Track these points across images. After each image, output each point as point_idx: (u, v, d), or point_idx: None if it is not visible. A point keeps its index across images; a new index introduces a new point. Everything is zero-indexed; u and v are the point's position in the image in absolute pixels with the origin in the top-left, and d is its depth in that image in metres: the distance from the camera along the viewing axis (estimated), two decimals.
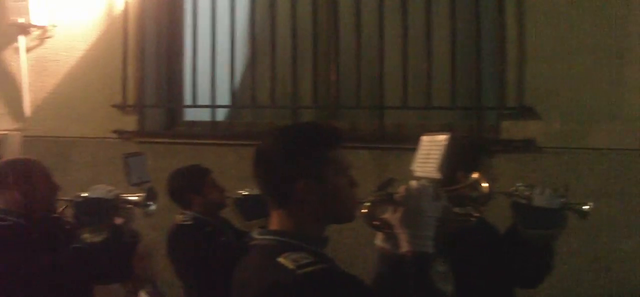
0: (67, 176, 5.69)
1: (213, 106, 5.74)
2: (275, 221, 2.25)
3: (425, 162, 2.87)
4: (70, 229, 3.44)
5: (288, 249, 2.12)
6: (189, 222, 4.32)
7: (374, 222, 2.36)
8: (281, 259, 2.07)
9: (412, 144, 3.03)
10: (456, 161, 3.00)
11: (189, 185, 4.36)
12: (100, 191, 3.26)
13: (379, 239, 2.40)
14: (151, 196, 3.28)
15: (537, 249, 3.11)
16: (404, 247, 2.16)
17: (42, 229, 3.36)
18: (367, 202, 2.35)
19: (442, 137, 2.86)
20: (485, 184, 2.52)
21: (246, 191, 4.35)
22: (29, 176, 3.37)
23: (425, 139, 2.97)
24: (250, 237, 4.05)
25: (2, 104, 6.44)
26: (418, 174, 2.86)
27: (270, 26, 5.58)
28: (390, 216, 2.25)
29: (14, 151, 6.00)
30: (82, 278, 3.28)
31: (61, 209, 3.54)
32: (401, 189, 2.23)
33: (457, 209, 2.48)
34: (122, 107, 5.89)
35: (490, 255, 3.21)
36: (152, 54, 5.96)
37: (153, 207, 3.31)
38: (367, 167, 5.03)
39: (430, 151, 2.88)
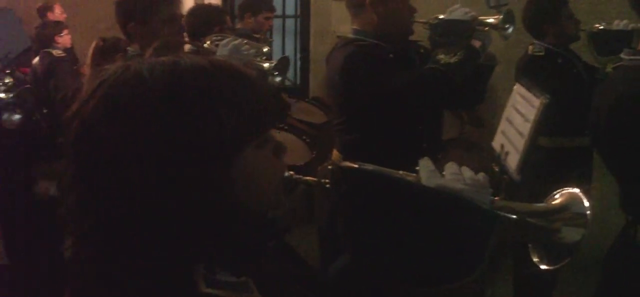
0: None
1: None
2: None
3: None
4: (424, 53, 3.48)
5: None
6: (540, 53, 4.23)
7: None
8: None
9: None
10: None
11: (545, 14, 4.23)
12: (457, 12, 3.23)
13: None
14: (509, 18, 3.17)
15: None
16: None
17: (398, 51, 3.40)
18: None
19: None
20: None
21: (602, 25, 4.14)
22: None
23: None
24: (600, 72, 3.90)
25: None
26: None
27: None
28: None
29: None
30: (436, 98, 3.30)
31: None
32: None
33: None
34: None
35: None
36: None
37: (511, 29, 3.18)
38: None
39: None
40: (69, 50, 6.60)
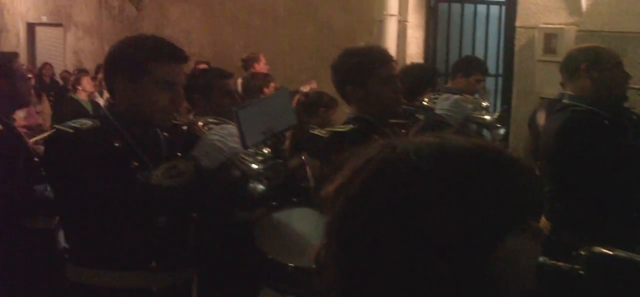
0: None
1: None
2: None
3: None
4: (636, 120, 3.42)
5: None
6: None
7: None
8: None
9: None
10: None
11: None
12: None
13: None
14: None
15: None
16: None
17: (612, 117, 3.38)
18: None
19: None
20: None
21: None
22: (602, 63, 3.41)
23: None
24: None
25: None
26: None
27: None
28: None
29: (568, 46, 5.90)
30: None
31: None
32: None
33: None
34: None
35: None
36: None
37: None
38: None
39: None
40: None
